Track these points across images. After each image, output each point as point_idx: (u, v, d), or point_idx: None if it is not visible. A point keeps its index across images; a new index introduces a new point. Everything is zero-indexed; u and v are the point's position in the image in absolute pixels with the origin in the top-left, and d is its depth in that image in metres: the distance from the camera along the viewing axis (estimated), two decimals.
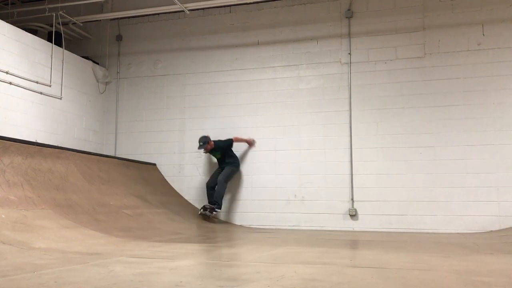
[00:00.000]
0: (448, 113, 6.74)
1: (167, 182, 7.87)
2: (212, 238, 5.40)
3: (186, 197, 7.74)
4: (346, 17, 7.35)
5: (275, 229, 6.91)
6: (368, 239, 5.30)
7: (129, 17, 8.40)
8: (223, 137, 7.43)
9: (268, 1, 7.75)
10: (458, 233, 6.31)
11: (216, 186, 7.14)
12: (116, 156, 7.79)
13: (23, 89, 6.52)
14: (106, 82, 8.43)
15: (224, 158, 7.31)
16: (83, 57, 8.01)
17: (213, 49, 8.00)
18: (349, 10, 7.34)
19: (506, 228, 6.19)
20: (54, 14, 7.41)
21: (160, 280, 2.37)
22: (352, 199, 6.93)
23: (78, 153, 6.10)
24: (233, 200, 7.49)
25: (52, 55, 7.10)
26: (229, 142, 7.31)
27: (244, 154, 7.54)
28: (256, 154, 7.49)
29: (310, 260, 3.29)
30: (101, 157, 6.75)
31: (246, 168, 7.50)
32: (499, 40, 6.67)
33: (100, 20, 8.42)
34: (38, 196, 4.55)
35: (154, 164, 7.96)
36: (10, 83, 6.30)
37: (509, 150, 6.45)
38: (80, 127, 7.80)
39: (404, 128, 6.89)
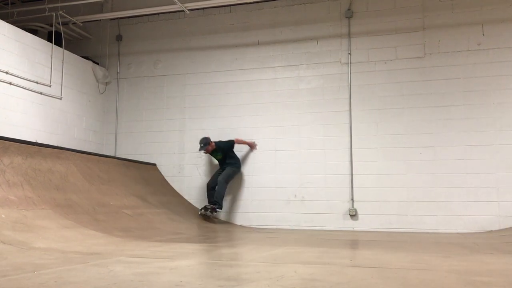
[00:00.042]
0: (448, 113, 6.74)
1: (167, 182, 7.87)
2: (212, 238, 5.40)
3: (186, 197, 7.74)
4: (346, 17, 7.35)
5: (275, 229, 6.91)
6: (368, 239, 5.30)
7: (129, 17, 8.40)
8: (223, 137, 7.43)
9: (268, 1, 7.75)
10: (458, 233, 6.31)
11: (216, 187, 7.14)
12: (116, 156, 7.79)
13: (23, 89, 6.52)
14: (106, 82, 8.43)
15: (225, 159, 7.30)
16: (83, 57, 8.01)
17: (213, 49, 8.00)
18: (349, 10, 7.34)
19: (506, 228, 6.19)
20: (54, 14, 7.41)
21: (160, 280, 2.37)
22: (352, 199, 6.93)
23: (78, 153, 6.10)
24: (233, 200, 7.49)
25: (52, 55, 7.10)
26: (230, 143, 7.30)
27: (245, 155, 7.54)
28: (256, 154, 7.49)
29: (310, 260, 3.29)
30: (101, 157, 6.75)
31: (246, 168, 7.50)
32: (499, 40, 6.67)
33: (100, 20, 8.42)
34: (38, 196, 4.55)
35: (154, 164, 7.96)
36: (10, 83, 6.30)
37: (509, 150, 6.45)
38: (80, 127, 7.80)
39: (404, 128, 6.89)
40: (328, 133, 7.19)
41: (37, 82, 6.77)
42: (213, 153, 7.35)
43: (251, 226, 7.27)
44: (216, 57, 7.96)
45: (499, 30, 6.69)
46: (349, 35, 7.31)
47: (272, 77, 7.61)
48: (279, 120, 7.46)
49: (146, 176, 7.41)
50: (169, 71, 8.20)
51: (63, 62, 7.33)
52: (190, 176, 7.82)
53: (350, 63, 7.24)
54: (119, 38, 8.54)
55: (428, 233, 6.33)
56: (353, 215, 6.87)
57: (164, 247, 3.92)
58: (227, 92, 7.80)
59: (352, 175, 6.99)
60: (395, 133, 6.92)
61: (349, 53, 7.25)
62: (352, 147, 7.04)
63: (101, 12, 8.30)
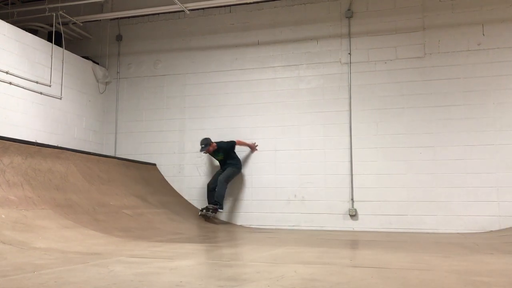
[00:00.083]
0: (448, 113, 6.74)
1: (167, 182, 7.87)
2: (212, 238, 5.40)
3: (186, 197, 7.73)
4: (346, 17, 7.35)
5: (275, 229, 6.91)
6: (368, 239, 5.30)
7: (129, 17, 8.40)
8: (223, 137, 7.42)
9: (268, 1, 7.75)
10: (458, 233, 6.31)
11: (217, 187, 7.12)
12: (116, 156, 7.79)
13: (23, 89, 6.52)
14: (106, 82, 8.43)
15: (226, 159, 7.28)
16: (83, 57, 8.01)
17: (213, 49, 8.00)
18: (349, 10, 7.34)
19: (506, 228, 6.19)
20: (54, 14, 7.41)
21: (160, 280, 2.37)
22: (352, 199, 6.93)
23: (78, 153, 6.10)
24: (233, 200, 7.49)
25: (52, 55, 7.10)
26: (231, 144, 7.28)
27: (245, 155, 7.53)
28: (256, 154, 7.49)
29: (310, 260, 3.29)
30: (101, 157, 6.75)
31: (246, 168, 7.49)
32: (499, 40, 6.68)
33: (100, 20, 8.42)
34: (38, 196, 4.55)
35: (154, 164, 7.96)
36: (10, 83, 6.30)
37: (509, 150, 6.45)
38: (80, 127, 7.80)
39: (404, 128, 6.89)
40: (328, 133, 7.19)
41: (37, 82, 6.77)
42: (214, 153, 7.33)
43: (251, 226, 7.27)
44: (216, 57, 7.96)
45: (499, 30, 6.69)
46: (349, 35, 7.31)
47: (272, 77, 7.61)
48: (279, 120, 7.46)
49: (146, 176, 7.41)
50: (169, 71, 8.21)
51: (63, 62, 7.33)
52: (190, 176, 7.81)
53: (350, 63, 7.24)
54: (119, 38, 8.54)
55: (428, 233, 6.33)
56: (353, 215, 6.87)
57: (164, 247, 3.92)
58: (227, 92, 7.80)
59: (352, 175, 6.99)
60: (395, 133, 6.92)
61: (349, 53, 7.25)
62: (352, 147, 7.04)
63: (101, 12, 8.30)
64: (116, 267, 2.76)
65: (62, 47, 7.37)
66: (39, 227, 3.95)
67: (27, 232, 3.74)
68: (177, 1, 7.19)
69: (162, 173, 7.94)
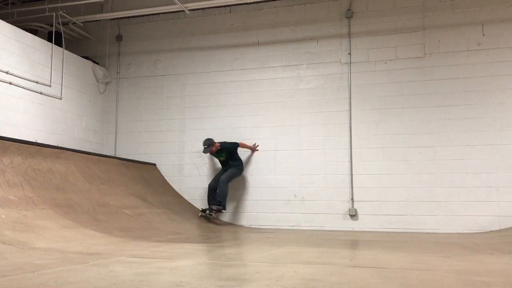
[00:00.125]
0: (448, 113, 6.74)
1: (167, 182, 7.87)
2: (212, 238, 5.40)
3: (186, 197, 7.73)
4: (346, 17, 7.35)
5: (275, 229, 6.91)
6: (368, 239, 5.30)
7: (129, 17, 8.40)
8: (223, 137, 7.41)
9: (268, 1, 7.75)
10: (458, 233, 6.31)
11: (218, 187, 7.06)
12: (116, 156, 7.79)
13: (23, 89, 6.52)
14: (106, 82, 8.43)
15: (228, 160, 7.24)
16: (83, 57, 8.01)
17: (213, 49, 8.00)
18: (349, 10, 7.34)
19: (506, 228, 6.19)
20: (54, 14, 7.41)
21: (160, 280, 2.37)
22: (352, 199, 6.93)
23: (78, 153, 6.09)
24: (233, 200, 7.48)
25: (52, 55, 7.10)
26: (235, 145, 7.22)
27: (245, 156, 7.52)
28: (256, 154, 7.49)
29: (310, 260, 3.29)
30: (101, 157, 6.75)
31: (246, 168, 7.48)
32: (499, 40, 6.68)
33: (100, 20, 8.42)
34: (38, 196, 4.55)
35: (154, 164, 7.96)
36: (10, 83, 6.30)
37: (509, 150, 6.45)
38: (80, 127, 7.80)
39: (404, 128, 6.89)
40: (328, 133, 7.19)
41: (37, 82, 6.77)
42: (217, 153, 7.26)
43: (251, 226, 7.27)
44: (216, 57, 7.96)
45: (499, 30, 6.69)
46: (349, 35, 7.31)
47: (272, 77, 7.61)
48: (279, 120, 7.45)
49: (146, 176, 7.41)
50: (169, 71, 8.21)
51: (63, 62, 7.33)
52: (190, 176, 7.81)
53: (350, 63, 7.24)
54: (119, 38, 8.54)
55: (428, 233, 6.33)
56: (353, 215, 6.87)
57: (164, 247, 3.92)
58: (227, 92, 7.80)
59: (352, 175, 6.99)
60: (395, 133, 6.92)
61: (349, 53, 7.25)
62: (352, 147, 7.04)
63: (101, 12, 8.30)
64: (116, 267, 2.76)
65: (62, 47, 7.37)
66: (39, 227, 3.95)
67: (27, 232, 3.74)
68: (177, 1, 7.19)
69: (162, 173, 7.94)
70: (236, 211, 7.46)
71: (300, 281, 2.41)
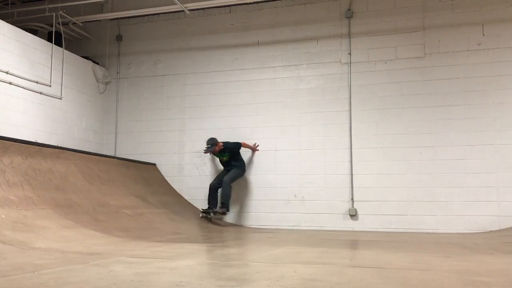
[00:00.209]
0: (448, 113, 6.74)
1: (167, 182, 7.87)
2: (212, 238, 5.40)
3: (186, 197, 7.73)
4: (346, 17, 7.35)
5: (275, 229, 6.91)
6: (368, 239, 5.30)
7: (129, 17, 8.40)
8: (224, 137, 7.41)
9: (268, 1, 7.75)
10: (458, 233, 6.31)
11: (221, 188, 7.02)
12: (116, 156, 7.79)
13: (23, 89, 6.52)
14: (106, 82, 8.43)
15: (231, 160, 7.21)
16: (83, 57, 8.01)
17: (213, 49, 8.00)
18: (349, 10, 7.34)
19: (506, 228, 6.19)
20: (54, 14, 7.41)
21: (160, 280, 2.37)
22: (352, 199, 6.93)
23: (78, 153, 6.10)
24: (233, 200, 7.47)
25: (52, 55, 7.10)
26: (238, 145, 7.19)
27: (245, 156, 7.52)
28: (256, 154, 7.49)
29: (310, 260, 3.29)
30: (101, 157, 6.75)
31: (246, 168, 7.48)
32: (499, 40, 6.68)
33: (100, 20, 8.42)
34: (38, 196, 4.55)
35: (154, 164, 7.96)
36: (10, 83, 6.30)
37: (509, 150, 6.45)
38: (80, 127, 7.80)
39: (404, 128, 6.89)
40: (328, 133, 7.19)
41: (37, 82, 6.77)
42: (220, 153, 7.22)
43: (251, 226, 7.28)
44: (216, 57, 7.96)
45: (499, 30, 6.69)
46: (349, 35, 7.31)
47: (272, 77, 7.61)
48: (279, 120, 7.45)
49: (146, 176, 7.41)
50: (169, 71, 8.21)
51: (63, 62, 7.33)
52: (190, 176, 7.81)
53: (350, 63, 7.24)
54: (119, 38, 8.54)
55: (428, 233, 6.33)
56: (353, 215, 6.87)
57: (164, 247, 3.92)
58: (227, 92, 7.80)
59: (352, 175, 6.99)
60: (395, 133, 6.92)
61: (349, 53, 7.25)
62: (352, 147, 7.04)
63: (101, 12, 8.30)
64: (116, 267, 2.76)
65: (62, 47, 7.36)
66: (39, 227, 3.95)
67: (27, 232, 3.74)
68: (177, 1, 7.19)
69: (162, 173, 7.94)
70: (236, 211, 7.45)
71: (300, 281, 2.41)
